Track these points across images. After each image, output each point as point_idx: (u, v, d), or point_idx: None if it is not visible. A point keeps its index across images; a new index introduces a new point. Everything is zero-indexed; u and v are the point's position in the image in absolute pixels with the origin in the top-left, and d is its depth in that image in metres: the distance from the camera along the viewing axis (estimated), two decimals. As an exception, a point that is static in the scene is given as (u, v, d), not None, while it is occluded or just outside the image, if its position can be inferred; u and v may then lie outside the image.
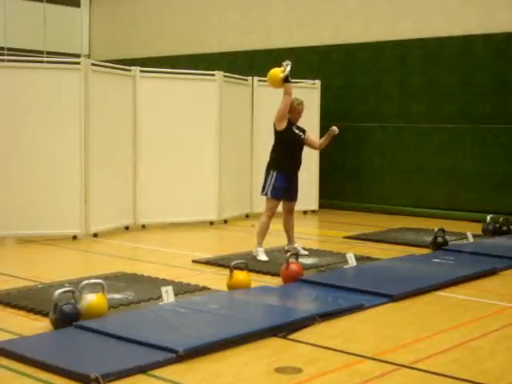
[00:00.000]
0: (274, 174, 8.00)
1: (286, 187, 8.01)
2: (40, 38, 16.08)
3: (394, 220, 11.70)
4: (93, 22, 17.20)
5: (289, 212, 8.23)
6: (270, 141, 8.21)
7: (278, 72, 7.90)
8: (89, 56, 16.59)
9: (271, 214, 8.06)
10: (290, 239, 8.29)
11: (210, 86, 10.87)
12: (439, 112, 12.11)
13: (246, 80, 11.81)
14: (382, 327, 5.51)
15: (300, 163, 8.16)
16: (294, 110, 8.00)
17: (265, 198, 8.15)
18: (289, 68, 7.81)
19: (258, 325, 5.24)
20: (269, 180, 8.03)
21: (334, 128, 8.00)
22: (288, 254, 6.98)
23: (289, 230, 8.27)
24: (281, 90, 7.96)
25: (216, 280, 6.94)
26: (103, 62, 10.63)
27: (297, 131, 8.08)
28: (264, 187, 8.08)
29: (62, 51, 15.99)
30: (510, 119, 11.46)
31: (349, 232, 10.24)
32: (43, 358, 4.47)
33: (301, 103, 8.04)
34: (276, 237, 8.93)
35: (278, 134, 8.04)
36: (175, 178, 10.54)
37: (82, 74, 9.27)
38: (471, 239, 9.29)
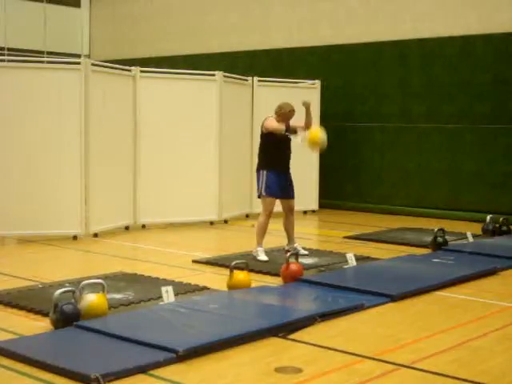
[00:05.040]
0: (265, 172, 8.01)
1: (279, 184, 8.01)
2: (40, 38, 16.08)
3: (393, 220, 11.69)
4: (93, 22, 17.19)
5: (289, 211, 8.22)
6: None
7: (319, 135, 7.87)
8: (89, 56, 16.57)
9: (269, 213, 8.05)
10: (290, 239, 8.28)
11: (210, 86, 10.87)
12: (439, 112, 12.11)
13: (246, 80, 11.80)
14: (382, 327, 5.51)
15: (289, 159, 8.16)
16: (284, 116, 8.02)
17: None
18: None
19: (258, 325, 5.24)
20: (260, 180, 8.04)
21: (304, 101, 7.96)
22: (288, 253, 6.98)
23: (289, 230, 8.25)
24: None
25: (216, 280, 6.94)
26: (103, 62, 10.62)
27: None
28: (258, 189, 8.09)
29: (62, 51, 15.99)
30: (510, 119, 11.46)
31: (349, 232, 10.24)
32: (43, 357, 4.48)
33: (292, 110, 8.04)
34: (276, 237, 8.93)
35: (266, 135, 8.06)
36: (175, 178, 10.53)
37: (82, 74, 9.26)
38: (471, 239, 9.29)
